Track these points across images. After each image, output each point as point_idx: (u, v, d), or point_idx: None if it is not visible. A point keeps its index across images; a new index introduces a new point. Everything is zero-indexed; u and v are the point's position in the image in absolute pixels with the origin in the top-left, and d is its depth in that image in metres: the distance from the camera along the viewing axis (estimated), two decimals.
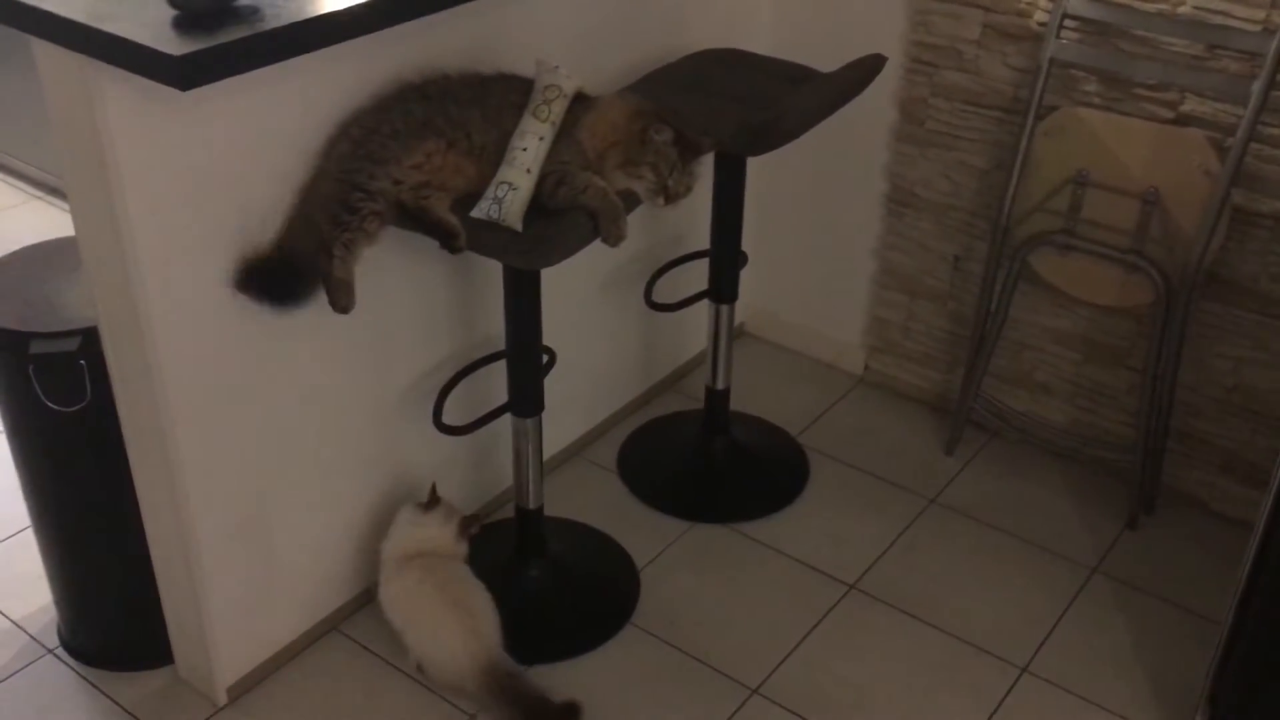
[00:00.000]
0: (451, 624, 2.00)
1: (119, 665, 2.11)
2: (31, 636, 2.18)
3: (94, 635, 2.12)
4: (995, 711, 2.06)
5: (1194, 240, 2.22)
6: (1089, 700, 2.08)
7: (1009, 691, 2.10)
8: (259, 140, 1.76)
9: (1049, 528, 2.46)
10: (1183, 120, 2.25)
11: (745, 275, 2.50)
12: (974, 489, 2.57)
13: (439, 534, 2.10)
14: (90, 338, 1.84)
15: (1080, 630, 2.22)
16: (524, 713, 1.96)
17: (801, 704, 2.07)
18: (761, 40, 2.67)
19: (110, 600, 2.08)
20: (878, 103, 2.58)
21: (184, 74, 1.45)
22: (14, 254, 2.08)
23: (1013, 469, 2.63)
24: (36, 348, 1.84)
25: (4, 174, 3.88)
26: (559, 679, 2.10)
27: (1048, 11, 2.31)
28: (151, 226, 1.67)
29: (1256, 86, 2.09)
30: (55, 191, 3.74)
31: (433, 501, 2.12)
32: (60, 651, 2.15)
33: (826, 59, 2.32)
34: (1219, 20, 2.14)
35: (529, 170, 1.80)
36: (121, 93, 1.57)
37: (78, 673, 2.11)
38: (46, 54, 1.59)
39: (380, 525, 2.21)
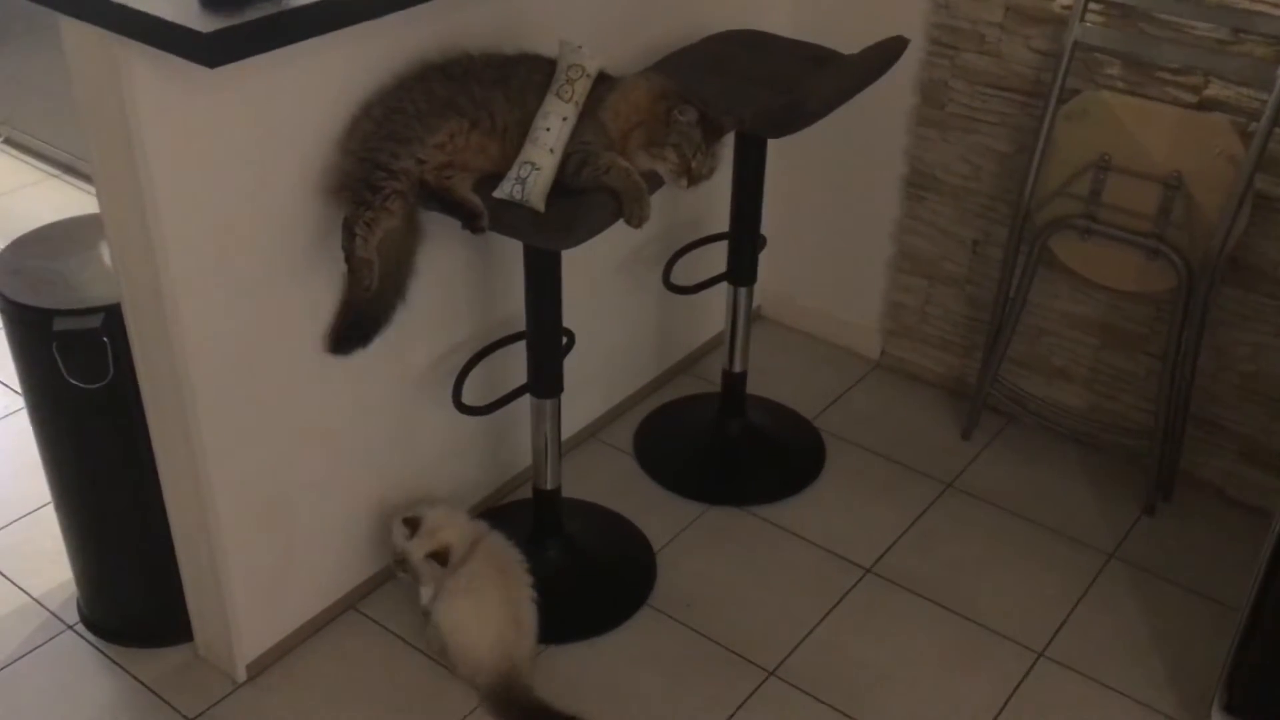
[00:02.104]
0: (499, 616, 2.00)
1: (139, 642, 2.12)
2: (51, 613, 2.19)
3: (114, 612, 2.13)
4: (1011, 695, 2.07)
5: (1216, 226, 2.21)
6: (1105, 685, 2.09)
7: (1025, 676, 2.11)
8: (283, 118, 1.76)
9: (1066, 513, 2.46)
10: (1206, 105, 2.23)
11: (763, 258, 2.50)
12: (991, 474, 2.57)
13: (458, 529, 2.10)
14: (113, 315, 1.84)
15: (1097, 615, 2.23)
16: None
17: (818, 686, 2.07)
18: (782, 21, 2.66)
19: (130, 577, 2.09)
20: (898, 85, 2.57)
21: (212, 51, 1.45)
22: (32, 233, 2.09)
23: (1030, 454, 2.62)
24: (60, 325, 1.84)
25: (19, 152, 3.88)
26: (575, 660, 2.11)
27: None
28: (176, 204, 1.67)
29: None
30: (70, 170, 3.75)
31: (414, 520, 2.08)
32: (80, 627, 2.16)
33: (847, 41, 2.31)
34: (1244, 4, 2.13)
35: (552, 150, 1.79)
36: (148, 70, 1.57)
37: (97, 649, 2.12)
38: (73, 31, 1.59)
39: (398, 506, 2.22)
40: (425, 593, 2.09)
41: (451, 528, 2.08)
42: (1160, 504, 2.48)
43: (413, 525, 2.07)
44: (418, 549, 2.04)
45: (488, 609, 2.00)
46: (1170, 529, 2.43)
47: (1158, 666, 2.12)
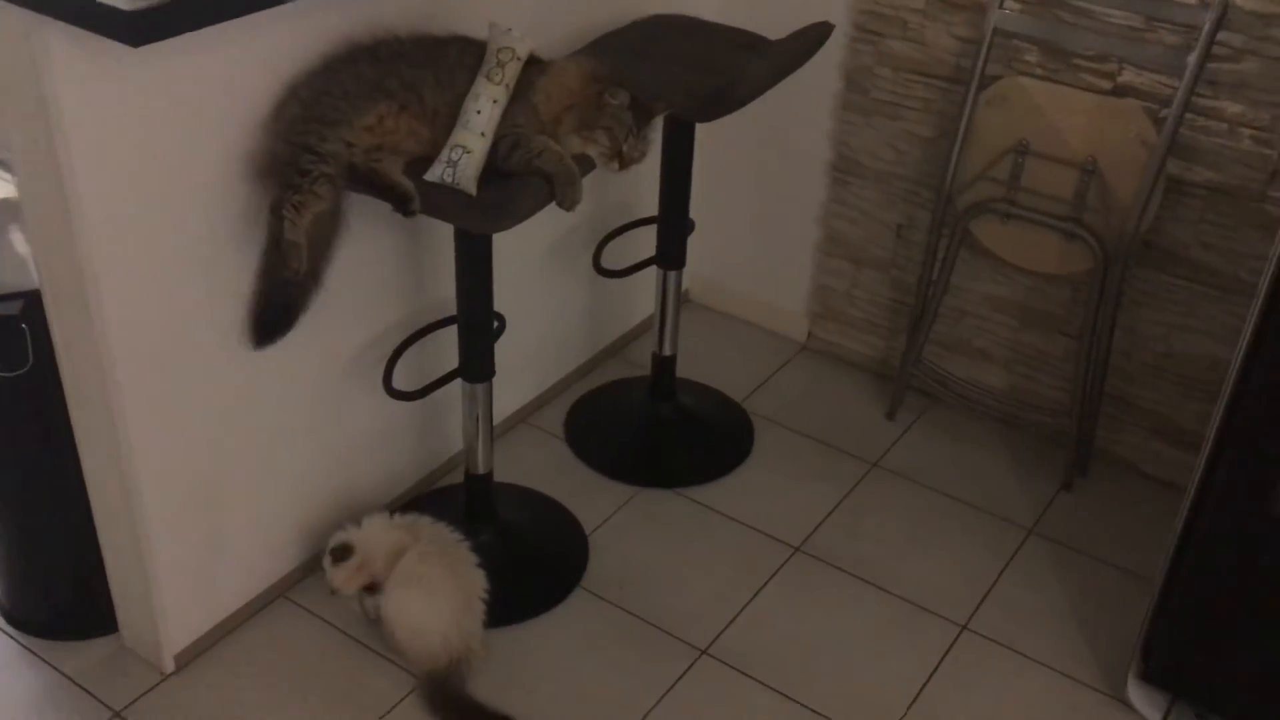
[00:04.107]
0: (449, 600, 1.99)
1: (62, 634, 2.08)
2: None
3: (36, 604, 2.08)
4: (937, 668, 2.12)
5: (1130, 209, 2.27)
6: (1026, 656, 2.15)
7: (949, 649, 2.16)
8: (209, 100, 1.73)
9: (987, 490, 2.52)
10: (1121, 91, 2.30)
11: (691, 242, 2.52)
12: (915, 453, 2.62)
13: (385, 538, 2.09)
14: (33, 301, 1.80)
15: (1018, 589, 2.29)
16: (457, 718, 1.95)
17: (749, 664, 2.10)
18: (710, 6, 2.66)
19: (53, 569, 2.04)
20: (823, 71, 2.60)
21: (135, 30, 1.43)
22: None
23: (952, 433, 2.68)
24: None
25: None
26: (509, 643, 2.11)
27: None
28: (98, 187, 1.64)
29: (1192, 59, 2.14)
30: None
31: (346, 549, 2.05)
32: (0, 622, 2.11)
33: (772, 26, 2.33)
34: None
35: (483, 134, 1.79)
36: (69, 50, 1.53)
37: (19, 643, 2.07)
38: None
39: (327, 492, 2.21)
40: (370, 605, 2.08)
41: (376, 555, 2.04)
42: (1078, 480, 2.55)
43: (339, 554, 2.03)
44: (350, 582, 2.04)
45: (437, 595, 1.99)
46: (1087, 504, 2.51)
47: (1077, 637, 2.19)
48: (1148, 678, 2.04)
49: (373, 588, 2.04)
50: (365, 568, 2.03)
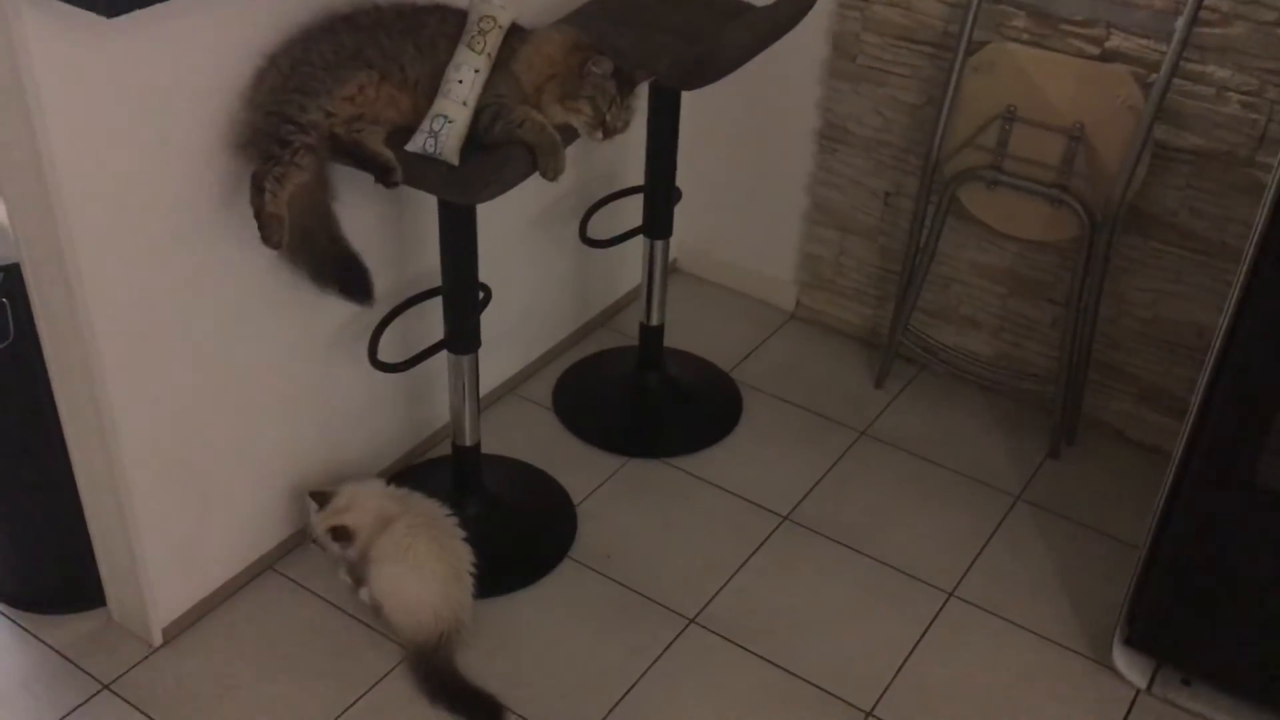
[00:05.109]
0: (438, 573, 2.00)
1: (49, 608, 2.08)
2: None
3: (23, 578, 2.08)
4: (924, 635, 2.13)
5: (1117, 175, 2.27)
6: (1013, 622, 2.16)
7: (937, 615, 2.17)
8: (187, 70, 1.71)
9: (974, 457, 2.53)
10: (1108, 56, 2.28)
11: (678, 211, 2.51)
12: (903, 421, 2.62)
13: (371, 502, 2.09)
14: (12, 275, 1.79)
15: (1004, 555, 2.30)
16: (444, 693, 1.95)
17: (738, 632, 2.11)
18: None
19: (39, 542, 2.04)
20: (810, 38, 2.58)
21: (110, 0, 1.41)
22: None
23: (940, 401, 2.68)
24: None
25: None
26: (498, 614, 2.12)
27: None
28: (76, 160, 1.62)
29: (1180, 23, 2.13)
30: None
31: (325, 494, 2.08)
32: None
33: None
34: None
35: (465, 103, 1.77)
36: (43, 21, 1.51)
37: (7, 616, 2.07)
38: None
39: (314, 465, 2.21)
40: (341, 569, 2.08)
41: (359, 509, 2.05)
42: (1064, 447, 2.56)
43: (321, 499, 2.06)
44: (321, 522, 2.04)
45: (425, 568, 1.99)
46: (1074, 471, 2.51)
47: (1062, 603, 2.20)
48: (1133, 643, 2.05)
49: (340, 532, 2.03)
50: (345, 514, 2.04)
